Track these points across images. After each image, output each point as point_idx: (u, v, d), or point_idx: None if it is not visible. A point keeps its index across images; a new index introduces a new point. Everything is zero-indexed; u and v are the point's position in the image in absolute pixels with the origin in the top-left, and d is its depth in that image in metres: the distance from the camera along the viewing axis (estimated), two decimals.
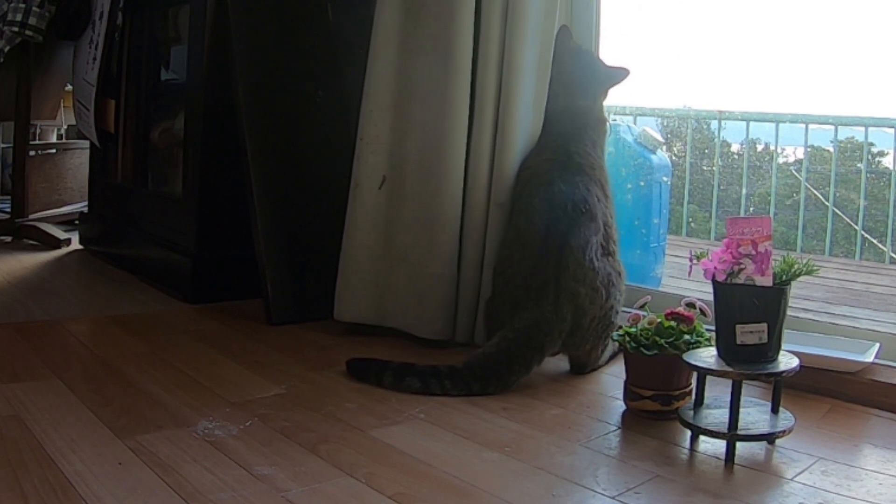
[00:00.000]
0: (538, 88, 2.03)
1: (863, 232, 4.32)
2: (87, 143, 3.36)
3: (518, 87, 1.98)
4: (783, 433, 1.46)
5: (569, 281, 1.76)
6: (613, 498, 1.27)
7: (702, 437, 1.49)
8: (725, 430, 1.42)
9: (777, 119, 4.50)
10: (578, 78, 2.05)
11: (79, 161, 3.87)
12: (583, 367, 1.90)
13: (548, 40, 2.03)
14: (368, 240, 2.12)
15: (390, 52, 2.09)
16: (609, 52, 2.37)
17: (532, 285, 1.78)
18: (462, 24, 2.00)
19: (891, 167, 4.45)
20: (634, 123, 3.84)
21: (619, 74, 2.07)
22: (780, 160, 4.71)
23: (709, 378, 1.51)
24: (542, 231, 1.80)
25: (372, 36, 2.11)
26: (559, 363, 1.97)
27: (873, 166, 4.57)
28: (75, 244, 3.28)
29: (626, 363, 1.67)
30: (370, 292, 2.12)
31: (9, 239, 3.35)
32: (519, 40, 1.97)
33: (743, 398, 1.44)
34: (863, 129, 4.45)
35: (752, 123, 4.67)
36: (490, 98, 2.01)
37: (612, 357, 1.96)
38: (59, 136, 4.66)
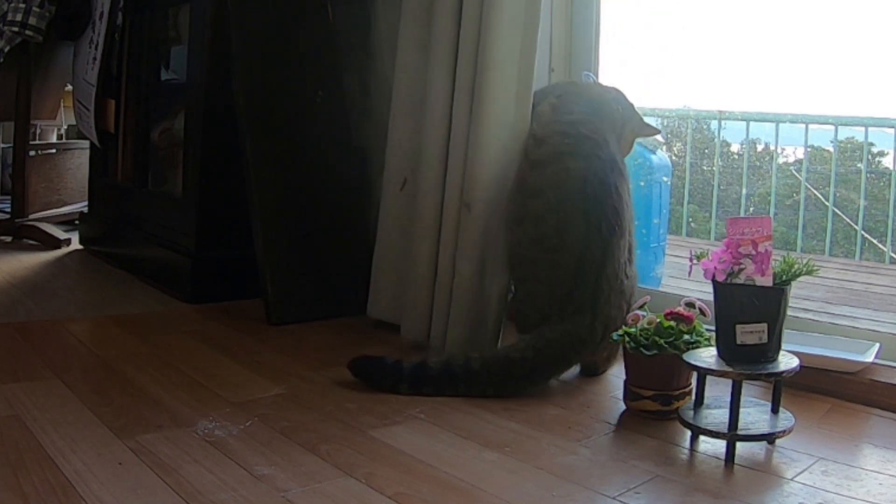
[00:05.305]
0: (520, 83, 1.94)
1: (863, 232, 4.31)
2: (87, 143, 3.36)
3: (491, 81, 1.90)
4: (783, 433, 1.46)
5: (604, 306, 1.76)
6: (613, 498, 1.27)
7: (702, 437, 1.49)
8: (725, 430, 1.42)
9: (777, 119, 4.50)
10: None
11: (79, 161, 3.87)
12: (595, 369, 1.90)
13: (530, 33, 1.93)
14: (389, 240, 2.18)
15: (411, 58, 2.12)
16: (609, 52, 2.38)
17: (567, 309, 1.76)
18: (440, 21, 2.00)
19: (891, 167, 4.45)
20: None
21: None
22: (780, 160, 4.71)
23: (709, 378, 1.51)
24: (577, 254, 1.76)
25: (399, 46, 2.14)
26: None
27: (873, 166, 4.56)
28: (75, 244, 3.28)
29: (626, 363, 1.67)
30: (388, 291, 2.19)
31: (9, 239, 3.35)
32: (495, 32, 1.90)
33: (743, 398, 1.44)
34: (863, 129, 4.44)
35: (752, 123, 4.66)
36: (465, 95, 1.97)
37: None
38: (59, 136, 4.66)
